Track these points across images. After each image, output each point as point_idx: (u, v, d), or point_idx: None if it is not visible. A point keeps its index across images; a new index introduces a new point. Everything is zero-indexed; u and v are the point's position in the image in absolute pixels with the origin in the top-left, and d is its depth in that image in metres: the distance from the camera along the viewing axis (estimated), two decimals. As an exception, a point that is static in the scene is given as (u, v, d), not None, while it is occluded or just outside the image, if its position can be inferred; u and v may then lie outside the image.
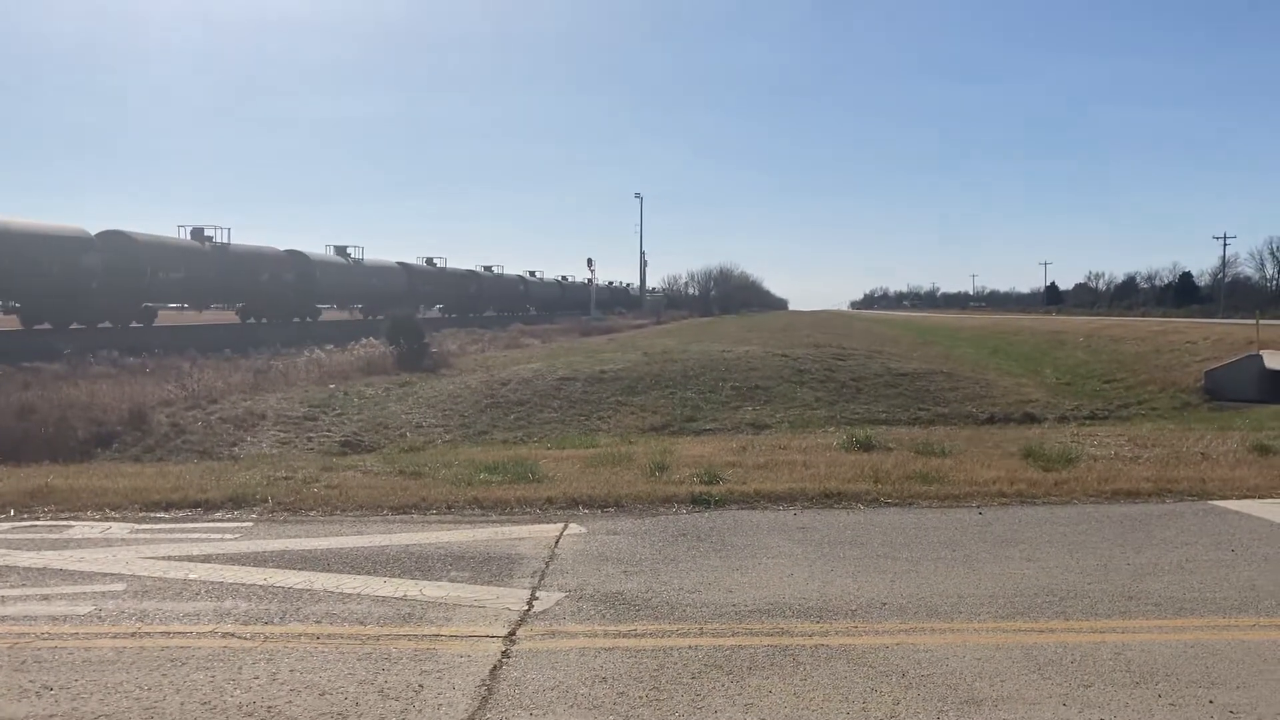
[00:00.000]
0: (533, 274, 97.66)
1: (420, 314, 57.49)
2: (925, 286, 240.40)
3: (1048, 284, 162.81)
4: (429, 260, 71.88)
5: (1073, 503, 9.47)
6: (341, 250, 58.67)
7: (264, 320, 48.67)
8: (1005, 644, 5.41)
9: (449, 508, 9.12)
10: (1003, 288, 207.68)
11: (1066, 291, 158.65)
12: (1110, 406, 23.67)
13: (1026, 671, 4.99)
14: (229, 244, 46.37)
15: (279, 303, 49.97)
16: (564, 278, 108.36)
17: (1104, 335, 41.81)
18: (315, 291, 53.22)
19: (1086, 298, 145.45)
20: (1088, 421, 20.07)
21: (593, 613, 5.98)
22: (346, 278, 57.40)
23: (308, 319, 52.17)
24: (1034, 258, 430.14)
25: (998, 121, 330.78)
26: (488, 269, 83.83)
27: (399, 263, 66.01)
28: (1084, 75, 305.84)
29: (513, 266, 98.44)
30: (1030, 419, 20.89)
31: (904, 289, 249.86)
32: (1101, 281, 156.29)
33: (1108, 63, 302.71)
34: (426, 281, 68.65)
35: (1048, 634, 5.60)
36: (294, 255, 52.12)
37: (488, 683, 4.81)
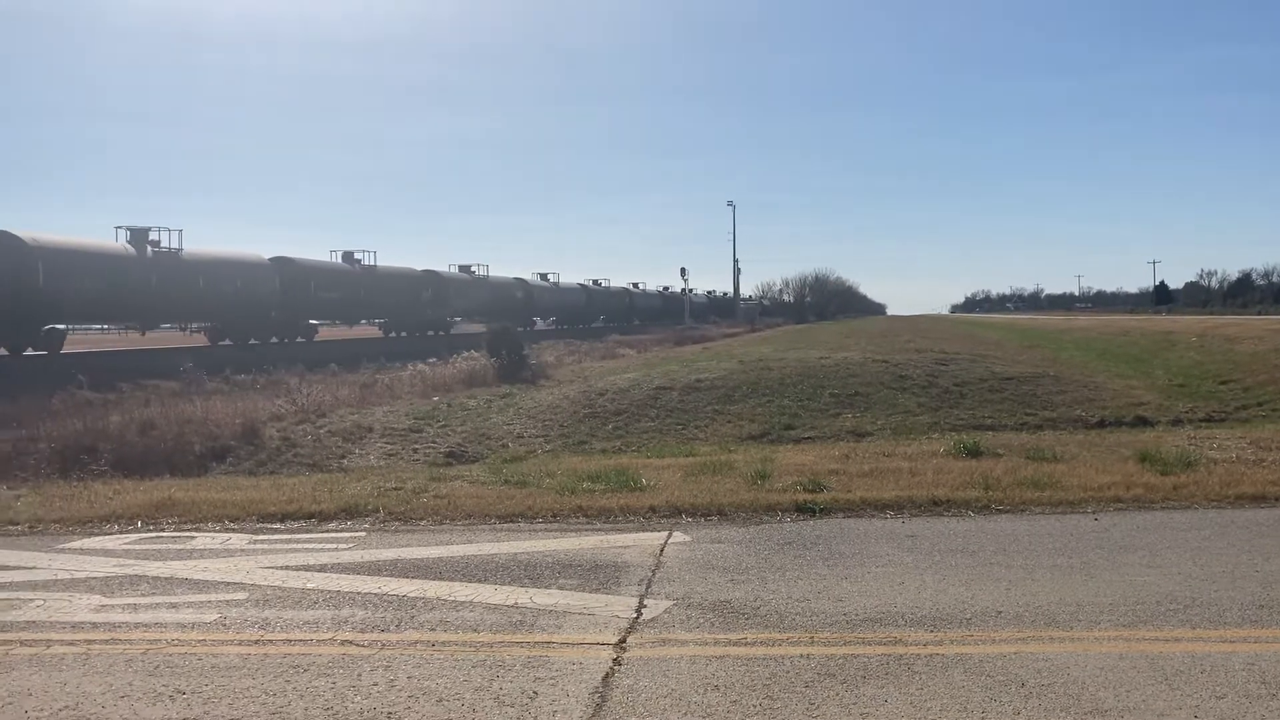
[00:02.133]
0: (636, 286, 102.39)
1: (534, 326, 67.09)
2: (1028, 289, 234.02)
3: (1156, 283, 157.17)
4: (543, 275, 79.48)
5: (1193, 508, 9.15)
6: (466, 269, 65.03)
7: (403, 334, 54.98)
8: (1129, 653, 5.24)
9: (554, 516, 9.23)
10: (1109, 288, 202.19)
11: (1176, 290, 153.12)
12: (1227, 409, 22.64)
13: (1153, 682, 4.83)
14: (375, 265, 53.14)
15: (418, 318, 57.01)
16: (665, 288, 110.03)
17: (1218, 334, 40.16)
18: (449, 307, 60.48)
19: (1198, 296, 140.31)
20: (1204, 424, 19.24)
21: (702, 621, 5.98)
22: (474, 293, 63.38)
23: (441, 332, 58.02)
24: (1141, 257, 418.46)
25: (1101, 115, 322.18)
26: (596, 283, 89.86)
27: (516, 278, 72.34)
28: (1189, 64, 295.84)
29: (604, 277, 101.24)
30: (1142, 422, 20.08)
31: (1006, 291, 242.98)
32: (1214, 279, 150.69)
33: (1213, 49, 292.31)
34: (542, 295, 75.62)
35: (1173, 643, 5.42)
36: (430, 274, 58.82)
37: (601, 690, 4.84)
